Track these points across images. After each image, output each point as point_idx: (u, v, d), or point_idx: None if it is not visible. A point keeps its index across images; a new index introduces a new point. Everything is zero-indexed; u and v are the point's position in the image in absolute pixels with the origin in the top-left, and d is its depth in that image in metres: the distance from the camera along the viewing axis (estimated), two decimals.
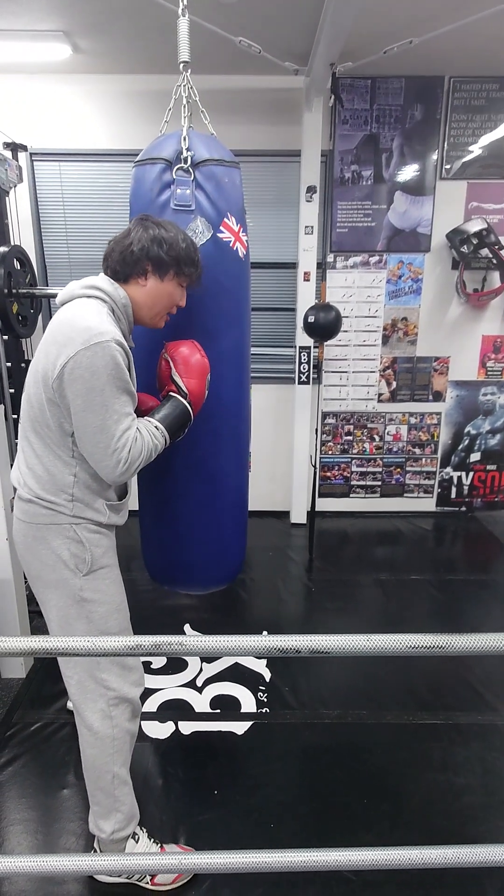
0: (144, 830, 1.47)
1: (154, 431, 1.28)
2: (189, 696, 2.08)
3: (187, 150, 1.44)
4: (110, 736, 1.35)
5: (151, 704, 2.03)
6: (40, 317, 3.09)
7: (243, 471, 1.79)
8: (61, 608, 1.30)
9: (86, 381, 1.13)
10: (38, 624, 2.59)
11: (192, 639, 0.68)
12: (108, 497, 1.31)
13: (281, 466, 3.60)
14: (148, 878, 1.43)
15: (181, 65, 1.54)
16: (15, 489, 1.30)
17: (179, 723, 1.95)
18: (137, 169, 1.51)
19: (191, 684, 2.14)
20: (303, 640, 0.66)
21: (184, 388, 1.36)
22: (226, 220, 1.50)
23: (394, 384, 3.53)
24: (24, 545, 1.30)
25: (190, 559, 1.71)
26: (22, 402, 1.27)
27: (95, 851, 1.46)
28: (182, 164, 1.44)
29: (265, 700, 2.06)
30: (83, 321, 1.16)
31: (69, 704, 1.64)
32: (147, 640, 0.66)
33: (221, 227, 1.49)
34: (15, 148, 2.99)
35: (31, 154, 3.17)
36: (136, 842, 1.43)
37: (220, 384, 1.55)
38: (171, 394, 1.37)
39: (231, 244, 1.52)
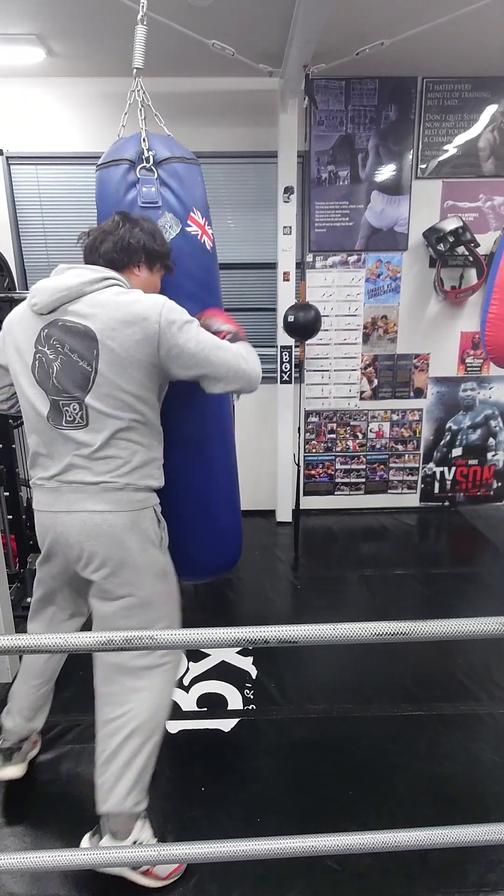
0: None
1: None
2: (176, 695, 2.08)
3: (148, 150, 1.48)
4: (168, 697, 1.46)
5: None
6: None
7: (231, 454, 1.83)
8: (151, 587, 1.38)
9: (182, 318, 1.29)
10: (23, 628, 2.58)
11: (161, 633, 0.69)
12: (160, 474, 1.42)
13: (265, 466, 3.62)
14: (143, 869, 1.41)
15: (134, 70, 1.59)
16: (95, 483, 1.29)
17: (167, 722, 1.96)
18: (101, 172, 1.56)
19: (177, 683, 2.14)
20: (271, 630, 0.68)
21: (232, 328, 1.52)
22: (192, 214, 1.54)
23: (375, 382, 3.57)
24: (116, 535, 1.32)
25: (187, 547, 1.72)
26: (91, 403, 1.27)
27: (100, 836, 1.39)
28: (145, 164, 1.48)
29: (251, 697, 2.08)
30: (135, 294, 1.30)
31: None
32: (118, 636, 0.68)
33: (189, 222, 1.53)
34: None
35: (7, 158, 3.17)
36: (144, 822, 1.43)
37: None
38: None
39: (199, 237, 1.57)
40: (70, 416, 1.28)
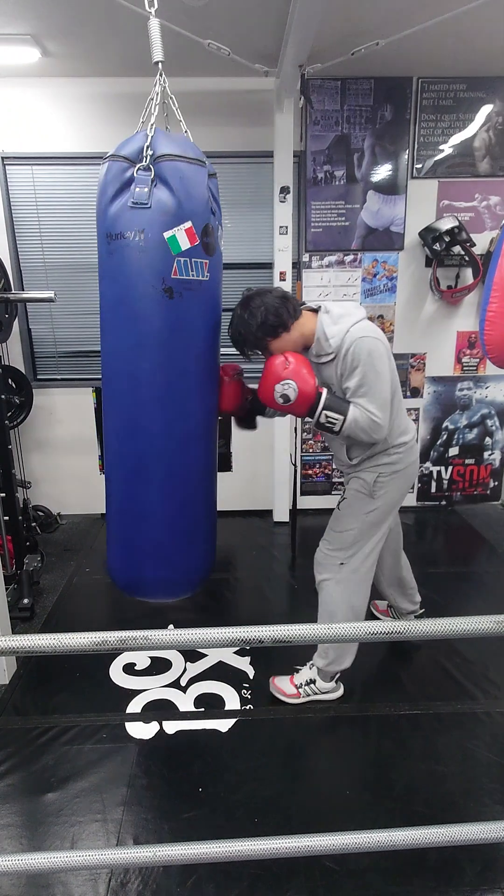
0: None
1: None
2: (173, 695, 2.09)
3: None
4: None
5: (136, 705, 2.04)
6: (16, 321, 3.08)
7: (212, 472, 1.82)
8: None
9: None
10: (20, 629, 2.59)
11: (156, 633, 0.69)
12: None
13: (262, 466, 3.62)
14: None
15: (159, 64, 1.58)
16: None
17: (164, 722, 1.96)
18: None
19: (175, 684, 2.15)
20: (267, 630, 0.68)
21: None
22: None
23: None
24: None
25: (154, 566, 1.74)
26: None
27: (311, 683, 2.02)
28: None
29: (249, 697, 2.08)
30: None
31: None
32: (113, 636, 0.68)
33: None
34: None
35: (3, 158, 3.16)
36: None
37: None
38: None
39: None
40: None
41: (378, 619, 2.57)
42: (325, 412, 1.67)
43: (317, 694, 2.02)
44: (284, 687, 2.05)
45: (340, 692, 2.05)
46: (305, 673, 2.04)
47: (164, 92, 1.60)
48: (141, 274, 1.51)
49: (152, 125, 1.51)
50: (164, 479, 1.66)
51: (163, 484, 1.66)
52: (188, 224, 1.47)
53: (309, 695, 2.02)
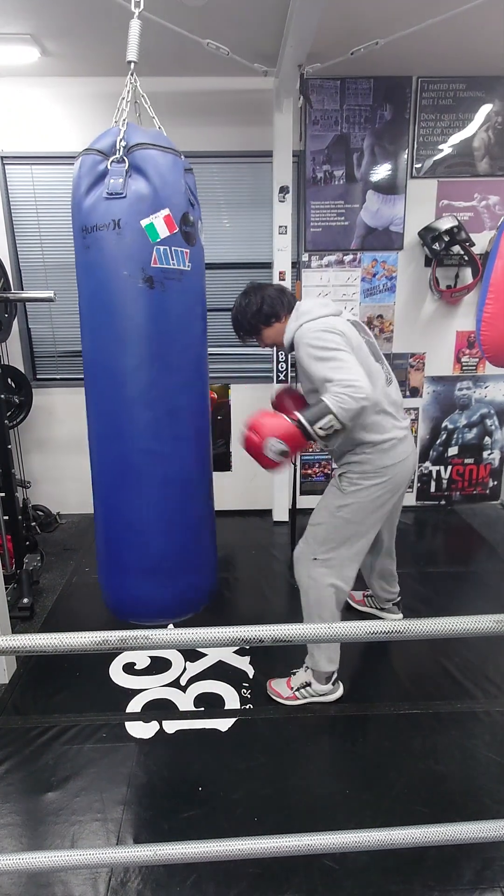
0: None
1: None
2: (173, 695, 2.09)
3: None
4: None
5: (135, 705, 2.04)
6: (16, 321, 3.08)
7: (204, 475, 1.78)
8: None
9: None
10: (20, 629, 2.59)
11: (156, 632, 0.69)
12: None
13: None
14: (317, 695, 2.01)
15: (131, 65, 1.60)
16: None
17: (164, 722, 1.96)
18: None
19: (174, 683, 2.15)
20: (266, 629, 0.68)
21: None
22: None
23: None
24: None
25: (144, 585, 1.69)
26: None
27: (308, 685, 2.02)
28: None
29: (249, 696, 2.08)
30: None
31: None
32: (113, 636, 0.68)
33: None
34: None
35: (2, 158, 3.16)
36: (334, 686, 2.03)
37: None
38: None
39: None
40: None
41: (357, 610, 2.59)
42: (315, 427, 1.62)
43: (314, 696, 2.02)
44: (281, 690, 2.05)
45: (340, 692, 2.05)
46: (301, 676, 2.04)
47: (135, 91, 1.61)
48: (119, 265, 1.48)
49: (124, 120, 1.52)
50: (152, 486, 1.60)
51: (149, 490, 1.60)
52: (166, 211, 1.45)
53: (306, 697, 2.02)
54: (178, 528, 1.67)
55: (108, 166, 1.46)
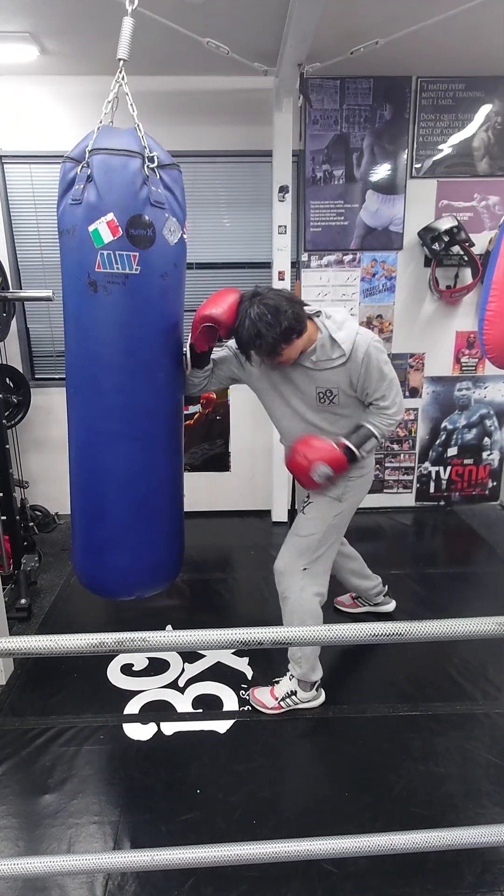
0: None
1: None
2: (171, 696, 2.08)
3: (148, 148, 1.47)
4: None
5: (133, 706, 2.03)
6: (14, 320, 3.07)
7: (177, 467, 1.84)
8: None
9: None
10: (18, 630, 2.58)
11: (154, 634, 0.68)
12: None
13: (260, 466, 3.61)
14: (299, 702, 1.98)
15: (120, 62, 1.62)
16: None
17: (162, 724, 1.95)
18: (103, 158, 1.49)
19: (173, 685, 2.14)
20: (265, 631, 0.67)
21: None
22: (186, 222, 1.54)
23: None
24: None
25: (119, 562, 1.75)
26: None
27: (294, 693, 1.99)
28: (149, 163, 1.48)
29: (247, 698, 2.07)
30: None
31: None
32: (110, 638, 0.67)
33: (184, 228, 1.53)
34: None
35: (1, 156, 3.15)
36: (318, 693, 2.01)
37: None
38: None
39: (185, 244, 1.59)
40: None
41: (347, 614, 2.58)
42: (361, 451, 1.77)
43: (297, 705, 1.99)
44: (265, 699, 2.02)
45: (322, 699, 2.02)
46: (286, 684, 2.01)
47: (120, 90, 1.61)
48: (70, 269, 1.56)
49: (100, 121, 1.52)
50: (120, 480, 1.75)
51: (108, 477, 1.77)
52: (110, 216, 1.46)
53: (290, 706, 1.99)
54: (141, 500, 1.76)
55: (77, 172, 1.50)
